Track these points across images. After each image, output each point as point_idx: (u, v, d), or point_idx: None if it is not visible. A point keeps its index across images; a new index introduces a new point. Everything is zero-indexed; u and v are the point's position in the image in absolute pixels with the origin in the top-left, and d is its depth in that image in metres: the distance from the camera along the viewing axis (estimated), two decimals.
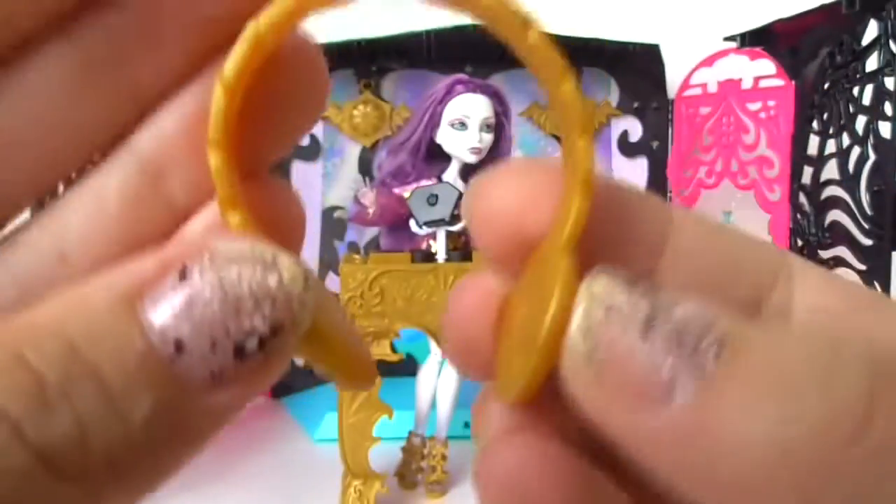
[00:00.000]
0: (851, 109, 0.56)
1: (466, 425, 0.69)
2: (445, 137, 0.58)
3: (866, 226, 0.54)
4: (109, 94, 0.11)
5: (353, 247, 0.81)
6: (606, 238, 0.11)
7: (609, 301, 0.09)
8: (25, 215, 0.12)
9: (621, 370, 0.09)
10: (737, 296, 0.11)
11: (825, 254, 0.59)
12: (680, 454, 0.09)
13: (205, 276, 0.09)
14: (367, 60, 0.76)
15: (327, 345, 0.11)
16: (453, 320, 0.12)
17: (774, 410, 0.08)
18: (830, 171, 0.59)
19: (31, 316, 0.09)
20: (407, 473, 0.58)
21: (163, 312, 0.09)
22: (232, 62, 0.10)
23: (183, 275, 0.09)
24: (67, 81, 0.11)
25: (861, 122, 0.55)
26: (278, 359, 0.10)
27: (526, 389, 0.10)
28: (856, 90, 0.55)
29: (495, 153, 0.60)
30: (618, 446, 0.10)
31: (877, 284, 0.52)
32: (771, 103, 0.67)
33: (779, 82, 0.66)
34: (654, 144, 0.79)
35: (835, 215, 0.58)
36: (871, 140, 0.53)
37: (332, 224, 0.82)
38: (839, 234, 0.57)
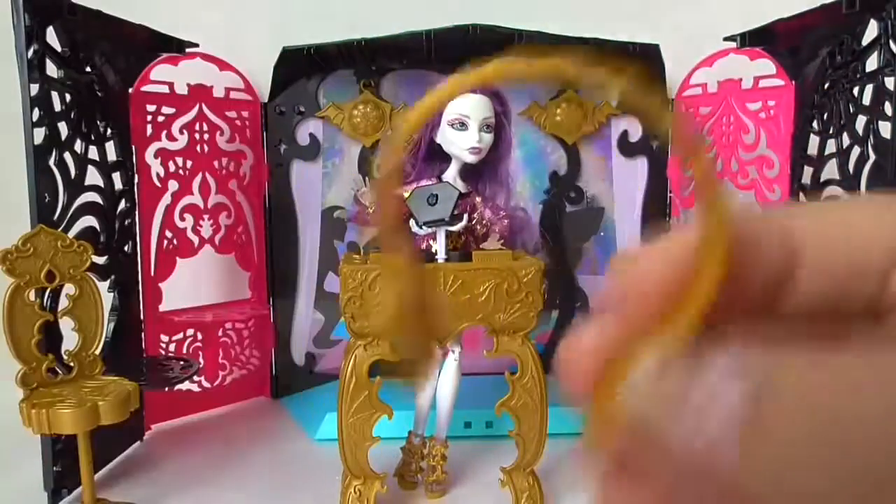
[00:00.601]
0: (851, 109, 0.56)
1: (466, 425, 0.69)
2: (445, 137, 0.58)
3: None
4: None
5: (352, 247, 0.81)
6: (732, 282, 0.11)
7: (652, 392, 0.10)
8: None
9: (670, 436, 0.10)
10: (867, 289, 0.11)
11: None
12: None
13: None
14: (367, 60, 0.76)
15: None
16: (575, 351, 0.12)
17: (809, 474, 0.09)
18: (830, 171, 0.59)
19: None
20: (407, 473, 0.58)
21: None
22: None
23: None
24: None
25: (861, 122, 0.55)
26: None
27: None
28: (856, 90, 0.55)
29: (495, 153, 0.59)
30: None
31: None
32: (771, 103, 0.67)
33: (779, 82, 0.66)
34: (654, 144, 0.79)
35: None
36: (871, 140, 0.53)
37: (332, 224, 0.82)
38: None
